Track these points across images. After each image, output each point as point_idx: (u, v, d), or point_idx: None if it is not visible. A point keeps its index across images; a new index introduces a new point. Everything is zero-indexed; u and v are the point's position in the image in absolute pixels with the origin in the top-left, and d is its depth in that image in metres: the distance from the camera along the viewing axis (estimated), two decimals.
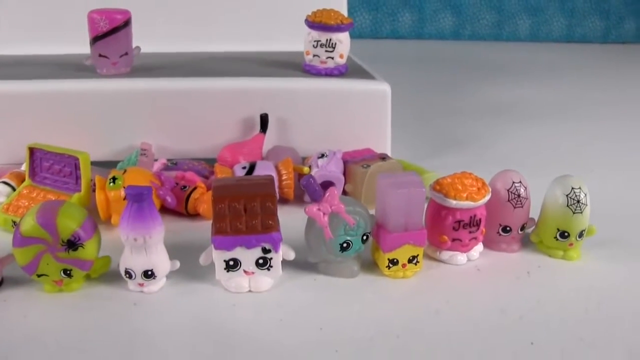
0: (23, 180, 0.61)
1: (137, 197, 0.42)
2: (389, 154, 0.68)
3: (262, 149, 0.65)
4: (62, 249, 0.44)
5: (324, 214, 0.45)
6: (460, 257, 0.52)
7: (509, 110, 1.05)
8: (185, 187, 0.58)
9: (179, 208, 0.57)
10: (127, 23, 0.66)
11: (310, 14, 0.68)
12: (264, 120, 0.65)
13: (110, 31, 0.65)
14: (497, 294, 0.48)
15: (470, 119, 0.98)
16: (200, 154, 0.67)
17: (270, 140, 0.67)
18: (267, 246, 0.45)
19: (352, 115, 0.69)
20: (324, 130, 0.68)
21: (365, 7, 1.63)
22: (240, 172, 0.58)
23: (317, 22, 0.67)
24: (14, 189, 0.60)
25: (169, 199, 0.55)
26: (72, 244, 0.43)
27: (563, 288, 0.50)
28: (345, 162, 0.62)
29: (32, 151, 0.59)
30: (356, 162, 0.63)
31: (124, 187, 0.42)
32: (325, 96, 0.68)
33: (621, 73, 1.41)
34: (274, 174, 0.58)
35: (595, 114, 1.05)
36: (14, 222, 0.55)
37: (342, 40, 0.68)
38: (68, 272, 0.45)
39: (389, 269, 0.49)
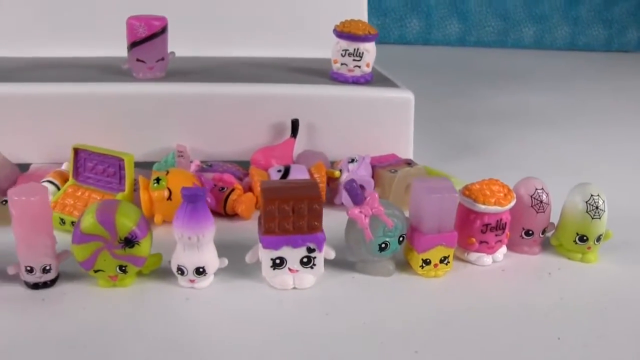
0: (65, 179, 0.64)
1: (192, 197, 0.45)
2: (411, 159, 0.72)
3: (293, 153, 0.68)
4: (119, 246, 0.46)
5: (365, 216, 0.48)
6: (486, 259, 0.55)
7: (516, 115, 1.09)
8: (223, 188, 0.60)
9: (218, 209, 0.60)
10: (164, 30, 0.69)
11: (338, 24, 0.71)
12: (295, 125, 0.68)
13: (148, 37, 0.68)
14: (522, 292, 0.52)
15: (479, 124, 1.02)
16: (232, 156, 0.70)
17: (299, 144, 0.70)
18: (312, 246, 0.48)
19: (377, 121, 0.72)
20: (350, 135, 0.71)
21: (374, 13, 1.66)
22: (275, 175, 0.61)
23: (345, 32, 0.70)
24: (57, 188, 0.63)
25: (208, 199, 0.58)
26: (129, 242, 0.46)
27: (582, 288, 0.53)
28: (373, 167, 0.65)
29: (76, 152, 0.61)
30: (383, 167, 0.66)
31: (181, 189, 0.44)
32: (352, 103, 0.71)
33: (624, 81, 1.45)
34: (308, 177, 0.61)
35: (600, 120, 1.09)
36: (62, 219, 0.58)
37: (369, 49, 0.71)
38: (123, 268, 0.48)
39: (422, 268, 0.52)
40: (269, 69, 0.78)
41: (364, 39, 0.70)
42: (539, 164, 0.83)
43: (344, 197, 0.61)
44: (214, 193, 0.60)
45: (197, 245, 0.46)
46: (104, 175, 0.61)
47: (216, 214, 0.62)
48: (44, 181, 0.64)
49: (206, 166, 0.66)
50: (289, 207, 0.46)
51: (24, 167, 0.68)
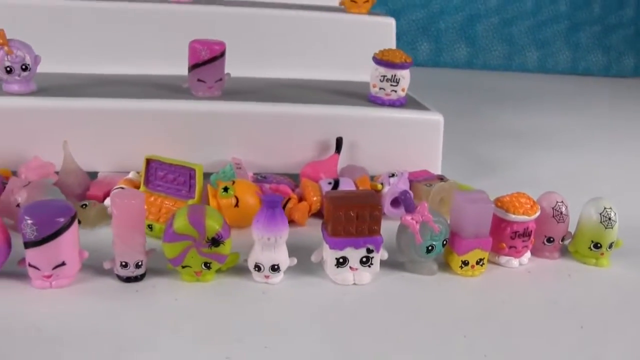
0: (134, 186, 0.71)
1: (272, 204, 0.52)
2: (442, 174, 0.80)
3: (337, 167, 0.76)
4: (207, 245, 0.54)
5: (416, 222, 0.56)
6: (514, 262, 0.63)
7: (526, 135, 1.18)
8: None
9: None
10: (223, 53, 0.77)
11: (377, 52, 0.80)
12: (339, 142, 0.76)
13: (209, 60, 0.76)
14: (547, 290, 0.60)
15: (492, 143, 1.10)
16: (281, 169, 0.78)
17: (341, 159, 0.77)
18: (371, 247, 0.55)
19: (411, 140, 0.80)
20: (387, 152, 0.79)
21: None
22: (326, 187, 0.68)
23: (384, 60, 0.78)
24: None
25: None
26: (215, 241, 0.53)
27: (598, 288, 0.61)
28: (410, 181, 0.73)
29: (148, 162, 0.68)
30: (419, 182, 0.74)
31: (262, 196, 0.51)
32: (389, 124, 0.79)
33: (622, 104, 1.55)
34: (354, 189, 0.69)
35: (603, 140, 1.18)
36: (149, 226, 0.65)
37: (405, 76, 0.79)
38: (208, 264, 0.55)
39: (461, 268, 0.60)
40: (311, 91, 0.86)
41: (401, 66, 0.78)
42: (554, 181, 0.91)
43: (387, 207, 0.69)
44: None
45: (274, 245, 0.54)
46: (174, 183, 0.68)
47: None
48: (117, 188, 0.71)
49: (260, 177, 0.73)
50: (354, 214, 0.53)
51: (92, 175, 0.75)
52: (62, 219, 0.53)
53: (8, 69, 0.74)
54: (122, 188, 0.72)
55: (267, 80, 0.89)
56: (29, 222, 0.52)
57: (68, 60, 0.87)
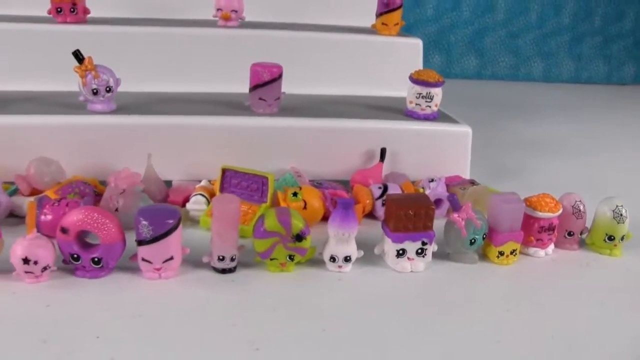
0: (209, 192, 0.81)
1: (347, 205, 0.63)
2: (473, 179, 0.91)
3: (382, 174, 0.87)
4: (292, 240, 0.64)
5: (462, 219, 0.67)
6: (541, 252, 0.74)
7: (534, 143, 1.27)
8: None
9: None
10: (281, 75, 0.87)
11: (413, 72, 0.91)
12: (383, 152, 0.87)
13: (270, 81, 0.87)
14: (571, 276, 0.70)
15: (508, 150, 1.21)
16: (332, 176, 0.89)
17: (384, 166, 0.89)
18: (425, 240, 0.66)
19: (444, 149, 0.91)
20: (422, 160, 0.91)
21: None
22: (377, 192, 0.79)
23: (420, 79, 0.90)
24: (206, 198, 0.80)
25: (331, 209, 0.76)
26: (299, 237, 0.64)
27: (612, 273, 0.72)
28: (447, 186, 0.84)
29: (224, 171, 0.79)
30: (454, 186, 0.85)
31: (337, 199, 0.62)
32: (425, 135, 0.91)
33: (623, 110, 1.66)
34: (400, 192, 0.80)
35: (610, 145, 1.28)
36: None
37: (438, 93, 0.91)
38: (292, 257, 0.65)
39: (497, 258, 0.71)
40: (352, 106, 0.98)
41: (435, 85, 0.90)
42: (567, 184, 1.00)
43: None
44: (332, 204, 0.78)
45: (347, 239, 0.65)
46: (247, 190, 0.78)
47: None
48: (196, 194, 0.82)
49: (316, 184, 0.84)
50: (412, 212, 0.64)
51: (167, 184, 0.86)
52: (171, 221, 0.63)
53: (94, 90, 0.85)
54: (201, 194, 0.83)
55: (312, 97, 1.01)
56: (145, 223, 0.63)
57: (135, 80, 0.97)
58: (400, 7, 1.08)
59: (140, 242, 0.63)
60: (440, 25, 1.88)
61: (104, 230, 0.63)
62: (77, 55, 0.83)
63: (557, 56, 1.97)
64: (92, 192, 0.80)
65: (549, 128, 1.41)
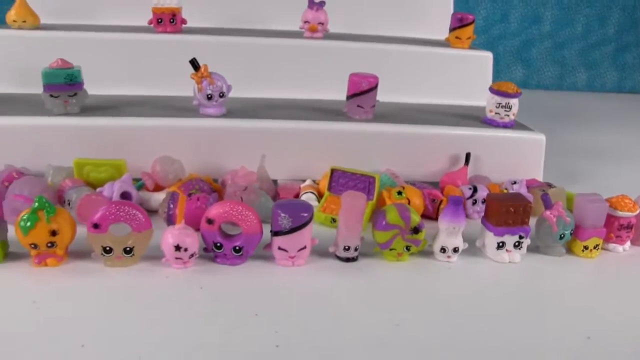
0: (317, 190, 0.92)
1: (457, 201, 0.73)
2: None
3: (467, 177, 0.96)
4: (410, 232, 0.74)
5: (553, 216, 0.76)
6: (620, 248, 0.83)
7: (586, 150, 1.35)
8: (434, 200, 0.89)
9: (433, 214, 0.88)
10: (377, 85, 0.97)
11: (494, 84, 1.01)
12: (468, 157, 0.97)
13: (368, 90, 0.97)
14: None
15: (564, 157, 1.28)
16: (421, 177, 0.99)
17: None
18: (522, 234, 0.76)
19: (520, 156, 1.01)
20: (501, 164, 1.00)
21: None
22: (467, 192, 0.89)
23: (500, 91, 0.99)
24: (315, 196, 0.91)
25: (430, 207, 0.86)
26: (416, 230, 0.74)
27: None
28: (527, 187, 0.94)
29: (332, 171, 0.89)
30: (533, 188, 0.94)
31: (448, 196, 0.72)
32: (504, 142, 1.00)
33: None
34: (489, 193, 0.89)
35: None
36: (333, 219, 0.86)
37: (515, 104, 1.00)
38: (408, 247, 0.75)
39: (582, 252, 0.80)
40: (434, 114, 1.08)
41: (513, 95, 0.99)
42: (627, 188, 1.05)
43: None
44: (430, 202, 0.88)
45: (456, 232, 0.74)
46: (354, 189, 0.88)
47: (430, 218, 0.89)
48: (306, 192, 0.92)
49: (411, 184, 0.94)
50: (513, 209, 0.74)
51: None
52: (306, 214, 0.73)
53: (209, 96, 0.96)
54: (311, 192, 0.94)
55: (396, 105, 1.11)
56: (285, 215, 0.73)
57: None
58: (472, 22, 1.18)
59: (277, 233, 0.73)
60: (489, 36, 1.98)
61: (247, 221, 0.73)
62: (194, 63, 0.93)
63: (601, 66, 2.05)
64: (210, 189, 0.91)
65: (597, 136, 1.49)
